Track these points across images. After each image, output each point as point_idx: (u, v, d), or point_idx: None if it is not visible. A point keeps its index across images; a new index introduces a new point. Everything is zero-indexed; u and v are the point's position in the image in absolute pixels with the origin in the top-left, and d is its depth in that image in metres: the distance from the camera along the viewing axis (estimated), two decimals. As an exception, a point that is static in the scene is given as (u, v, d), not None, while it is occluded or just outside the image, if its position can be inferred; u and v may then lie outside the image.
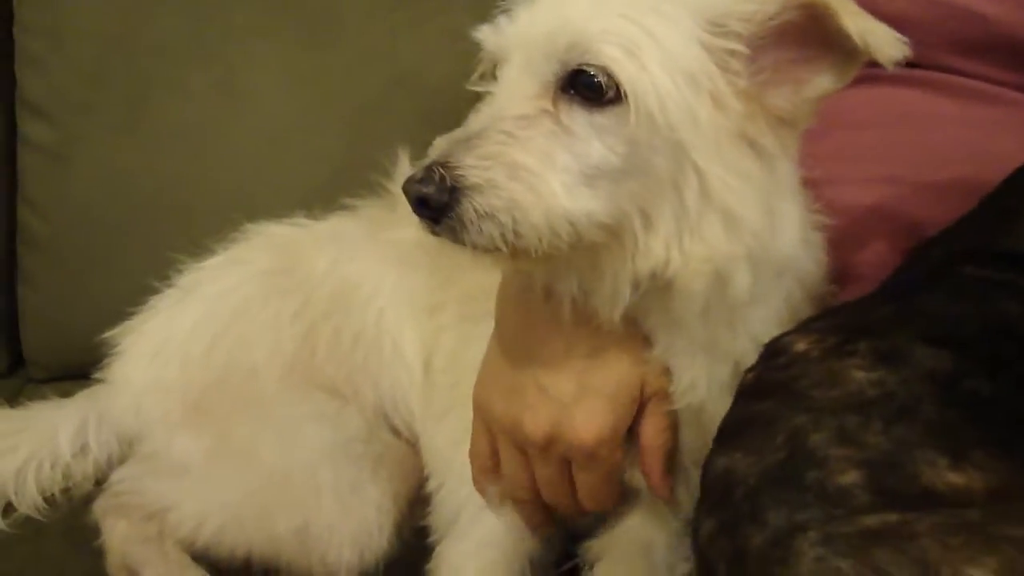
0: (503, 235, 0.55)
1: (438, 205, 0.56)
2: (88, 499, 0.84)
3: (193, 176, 1.01)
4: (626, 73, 0.55)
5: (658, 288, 0.61)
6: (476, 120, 0.59)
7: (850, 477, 0.55)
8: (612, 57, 0.56)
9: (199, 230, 0.94)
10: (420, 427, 0.81)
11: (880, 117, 0.82)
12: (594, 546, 0.74)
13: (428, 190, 0.56)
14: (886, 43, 0.57)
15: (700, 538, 0.59)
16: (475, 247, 0.57)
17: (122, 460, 0.86)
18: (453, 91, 1.01)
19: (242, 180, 1.01)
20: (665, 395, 0.67)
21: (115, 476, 0.83)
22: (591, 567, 0.74)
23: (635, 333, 0.67)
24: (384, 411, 0.82)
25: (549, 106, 0.58)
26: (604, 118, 0.57)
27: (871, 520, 0.53)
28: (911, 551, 0.52)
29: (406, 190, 0.58)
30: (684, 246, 0.59)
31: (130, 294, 0.92)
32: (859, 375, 0.61)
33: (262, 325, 0.84)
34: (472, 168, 0.56)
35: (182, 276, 0.91)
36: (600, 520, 0.74)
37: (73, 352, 0.99)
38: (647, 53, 0.56)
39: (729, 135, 0.58)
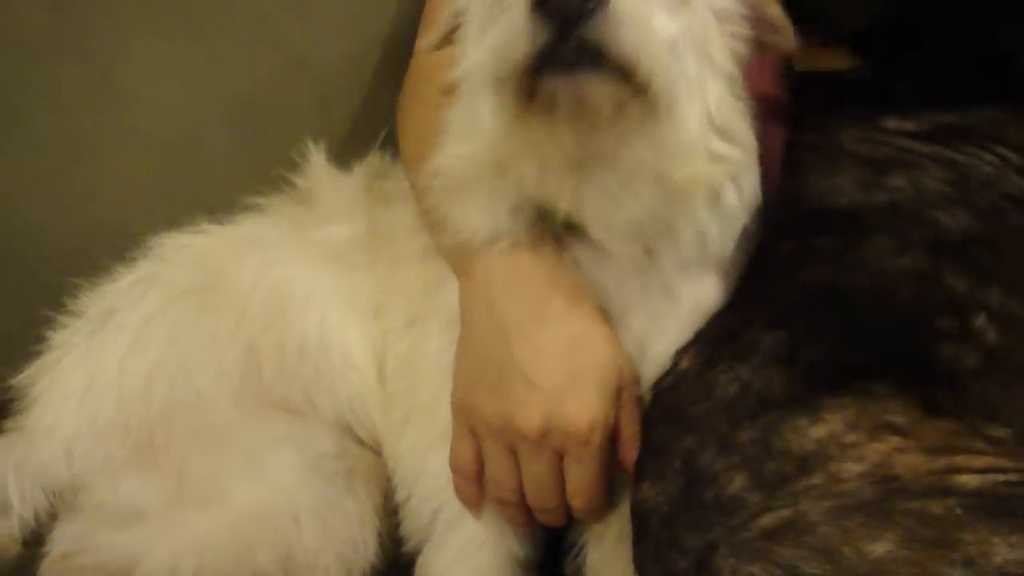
0: (632, 54, 0.56)
1: (580, 10, 0.55)
2: (19, 566, 0.77)
3: (78, 188, 0.92)
4: None
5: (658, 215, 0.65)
6: None
7: (737, 484, 0.61)
8: None
9: (93, 248, 0.87)
10: (382, 436, 0.79)
11: None
12: (585, 529, 0.75)
13: None
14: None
15: (637, 566, 0.64)
16: (596, 68, 0.57)
17: (53, 517, 0.78)
18: (349, 75, 0.98)
19: (133, 187, 0.93)
20: (636, 382, 0.69)
21: (56, 536, 0.75)
22: (580, 550, 0.75)
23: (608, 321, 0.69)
24: (346, 422, 0.79)
25: None
26: None
27: (767, 520, 0.59)
28: (811, 541, 0.57)
29: None
30: (703, 146, 0.64)
31: (23, 327, 0.84)
32: (722, 379, 0.66)
33: (199, 349, 0.78)
34: None
35: (86, 303, 0.83)
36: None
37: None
38: None
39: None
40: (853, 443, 0.60)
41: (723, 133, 0.66)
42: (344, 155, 0.92)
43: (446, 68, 0.70)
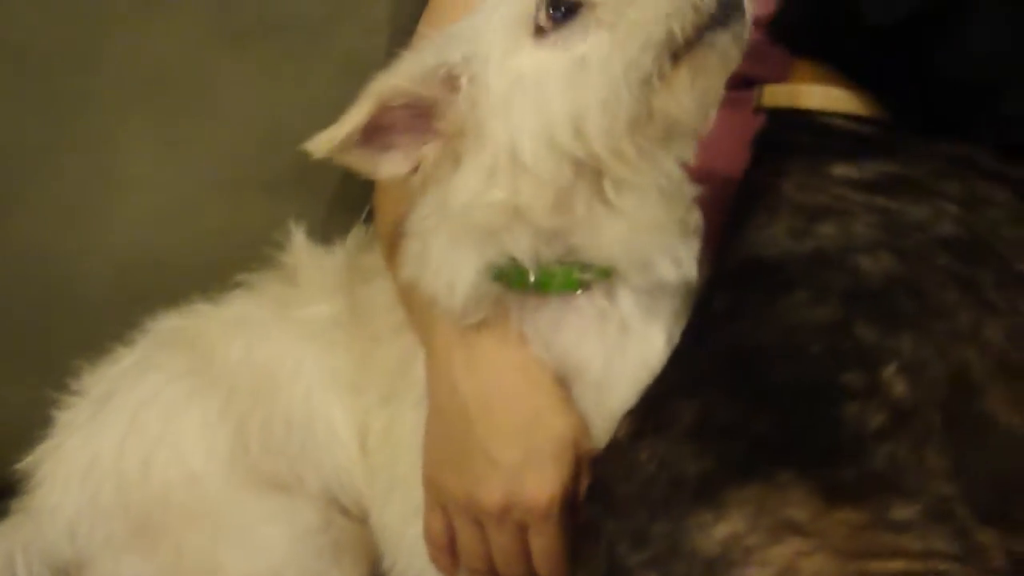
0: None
1: None
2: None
3: (79, 268, 0.97)
4: None
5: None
6: None
7: None
8: None
9: (91, 326, 0.92)
10: (368, 505, 0.83)
11: None
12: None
13: None
14: None
15: None
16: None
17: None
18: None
19: (130, 265, 0.98)
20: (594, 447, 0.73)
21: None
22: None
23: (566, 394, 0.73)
24: (332, 494, 0.84)
25: None
26: None
27: None
28: None
29: None
30: None
31: (24, 408, 0.89)
32: (644, 456, 0.68)
33: (192, 431, 0.83)
34: None
35: (87, 384, 0.88)
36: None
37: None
38: None
39: None
40: (756, 546, 0.61)
41: None
42: (329, 228, 0.97)
43: None
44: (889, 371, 0.66)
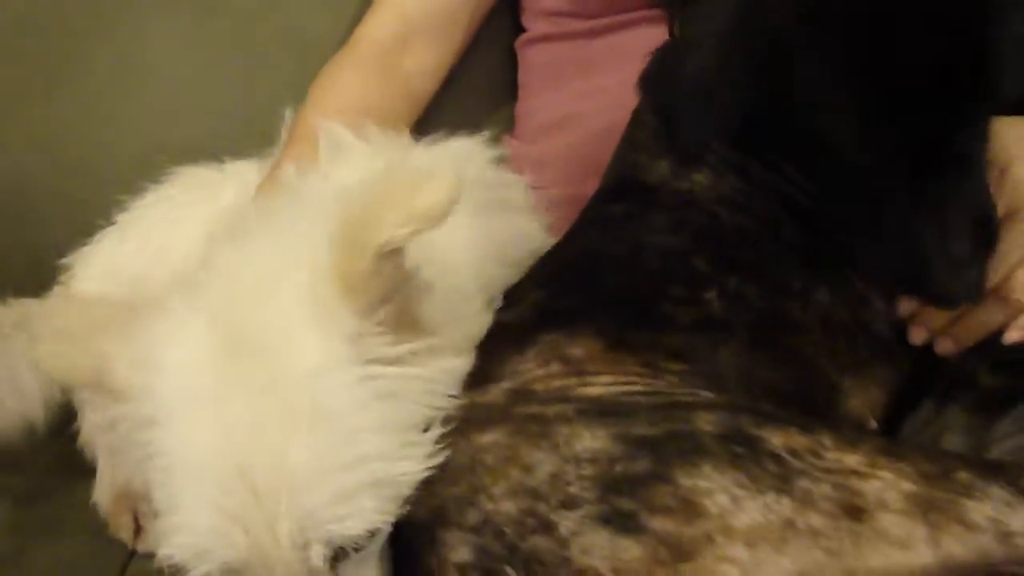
0: None
1: None
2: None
3: (103, 145, 1.13)
4: None
5: None
6: None
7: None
8: None
9: (113, 194, 1.06)
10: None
11: None
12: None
13: None
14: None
15: None
16: None
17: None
18: (335, 45, 1.18)
19: (147, 146, 1.13)
20: None
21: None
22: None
23: None
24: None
25: None
26: None
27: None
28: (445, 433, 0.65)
29: None
30: None
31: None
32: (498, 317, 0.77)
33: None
34: None
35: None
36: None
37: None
38: None
39: None
40: (523, 370, 0.68)
41: None
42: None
43: None
44: (710, 293, 0.74)
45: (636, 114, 0.86)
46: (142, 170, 1.06)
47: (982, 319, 0.73)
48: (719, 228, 0.77)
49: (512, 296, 0.79)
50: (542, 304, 0.76)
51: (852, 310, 0.77)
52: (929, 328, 0.76)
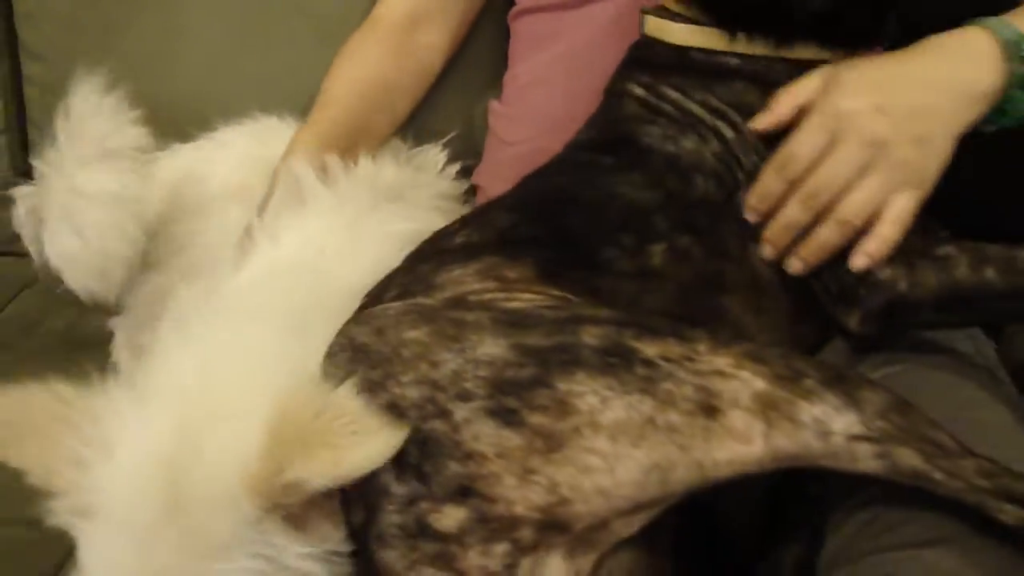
0: None
1: None
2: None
3: (151, 98, 1.22)
4: None
5: None
6: None
7: (393, 292, 0.79)
8: None
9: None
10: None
11: None
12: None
13: None
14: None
15: None
16: None
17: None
18: (342, 16, 1.28)
19: (189, 99, 1.28)
20: None
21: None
22: None
23: None
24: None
25: None
26: None
27: (385, 308, 0.76)
28: (375, 323, 0.72)
29: None
30: None
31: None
32: (456, 239, 0.85)
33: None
34: None
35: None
36: None
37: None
38: None
39: None
40: (462, 281, 0.75)
41: None
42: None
43: None
44: (657, 247, 0.80)
45: (621, 84, 0.92)
46: (185, 120, 1.19)
47: (821, 239, 0.79)
48: (689, 193, 0.83)
49: (483, 215, 0.86)
50: (505, 229, 0.82)
51: (779, 272, 0.83)
52: (776, 246, 0.82)
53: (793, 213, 0.79)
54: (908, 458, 0.65)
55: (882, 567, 0.66)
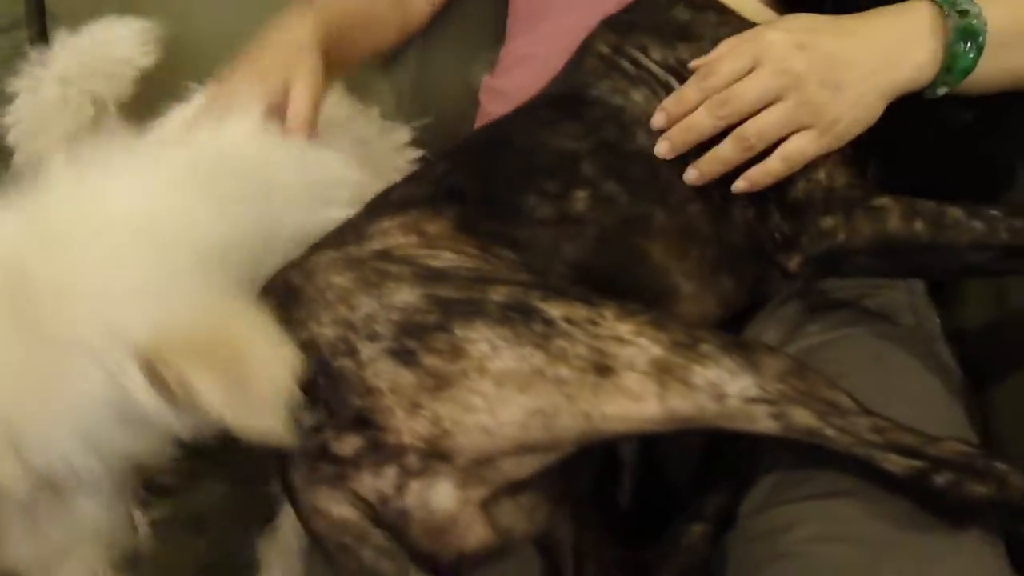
0: None
1: None
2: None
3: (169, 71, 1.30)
4: None
5: None
6: None
7: (327, 257, 0.80)
8: None
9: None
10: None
11: None
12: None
13: None
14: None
15: None
16: None
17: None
18: None
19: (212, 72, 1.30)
20: None
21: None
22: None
23: None
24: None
25: None
26: None
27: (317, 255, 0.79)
28: (306, 265, 0.77)
29: None
30: None
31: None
32: (394, 194, 0.88)
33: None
34: None
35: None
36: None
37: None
38: None
39: None
40: (388, 233, 0.79)
41: None
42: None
43: None
44: (581, 193, 0.83)
45: (590, 42, 0.96)
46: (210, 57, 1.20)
47: (719, 153, 0.83)
48: (626, 144, 0.86)
49: (429, 165, 0.90)
50: (439, 178, 0.86)
51: (713, 221, 0.86)
52: (673, 143, 0.85)
53: (698, 116, 0.83)
54: (803, 417, 0.69)
55: (786, 516, 0.74)
